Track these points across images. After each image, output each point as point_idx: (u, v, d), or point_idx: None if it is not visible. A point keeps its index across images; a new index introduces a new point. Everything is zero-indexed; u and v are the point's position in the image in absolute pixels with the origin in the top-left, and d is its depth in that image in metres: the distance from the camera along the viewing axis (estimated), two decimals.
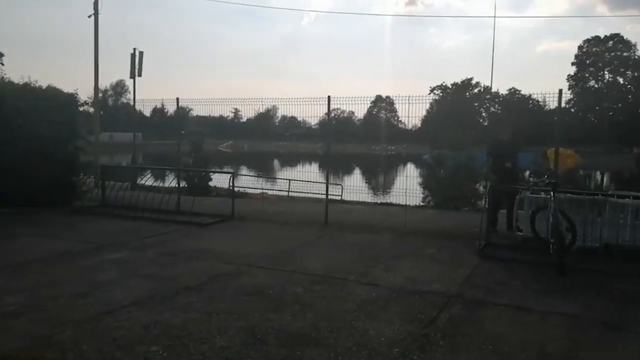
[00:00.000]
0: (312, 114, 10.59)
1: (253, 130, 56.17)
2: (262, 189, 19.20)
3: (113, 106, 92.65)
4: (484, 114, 77.35)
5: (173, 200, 10.48)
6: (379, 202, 16.22)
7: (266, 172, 31.83)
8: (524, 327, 4.38)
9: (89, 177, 12.74)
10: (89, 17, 19.23)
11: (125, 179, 13.67)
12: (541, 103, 66.83)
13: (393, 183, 22.88)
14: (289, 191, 18.24)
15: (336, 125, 68.59)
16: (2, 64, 13.44)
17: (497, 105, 77.54)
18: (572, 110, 72.80)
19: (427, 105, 52.07)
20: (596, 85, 76.18)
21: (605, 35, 75.28)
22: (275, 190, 19.16)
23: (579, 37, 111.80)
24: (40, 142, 9.99)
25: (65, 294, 5.08)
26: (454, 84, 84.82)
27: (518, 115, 55.80)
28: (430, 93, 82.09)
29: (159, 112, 70.62)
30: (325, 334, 4.14)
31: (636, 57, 73.46)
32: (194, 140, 19.24)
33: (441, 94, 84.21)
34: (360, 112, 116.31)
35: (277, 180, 22.88)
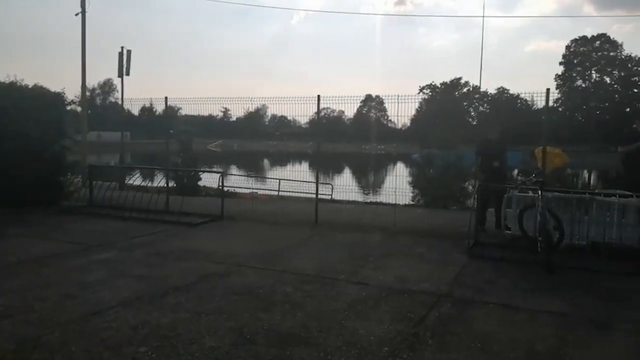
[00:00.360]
0: (302, 113, 10.59)
1: (243, 129, 55.86)
2: (252, 188, 19.13)
3: (101, 105, 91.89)
4: (472, 113, 77.97)
5: (162, 200, 10.42)
6: (369, 201, 16.27)
7: (256, 172, 31.73)
8: (512, 326, 4.41)
9: (77, 176, 12.63)
10: (76, 15, 19.05)
11: (113, 178, 13.54)
12: (529, 102, 67.17)
13: (383, 182, 22.95)
14: (279, 190, 18.19)
15: (326, 125, 68.71)
16: None
17: (485, 105, 78.06)
18: (560, 109, 73.47)
19: (417, 105, 52.30)
20: (583, 85, 76.96)
21: (592, 35, 76.16)
22: (265, 189, 19.10)
23: (566, 37, 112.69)
24: (27, 141, 9.89)
25: (53, 294, 5.03)
26: (443, 84, 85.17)
27: (506, 114, 56.12)
28: (419, 92, 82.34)
29: (147, 111, 70.10)
30: (315, 333, 4.14)
31: (622, 56, 74.32)
32: (182, 140, 19.12)
33: (430, 94, 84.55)
34: (350, 111, 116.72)
35: (267, 179, 22.82)
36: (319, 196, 10.28)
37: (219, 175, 13.36)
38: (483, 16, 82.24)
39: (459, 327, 4.33)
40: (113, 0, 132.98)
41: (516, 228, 7.40)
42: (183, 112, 16.01)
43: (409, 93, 10.71)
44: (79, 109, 19.37)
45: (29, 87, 10.74)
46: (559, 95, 74.06)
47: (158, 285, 5.41)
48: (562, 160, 11.93)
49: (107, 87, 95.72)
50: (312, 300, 5.01)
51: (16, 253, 6.76)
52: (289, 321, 4.41)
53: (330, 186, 16.85)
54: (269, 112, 75.55)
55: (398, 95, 9.46)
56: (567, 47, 77.95)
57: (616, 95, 73.10)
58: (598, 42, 75.46)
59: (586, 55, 75.58)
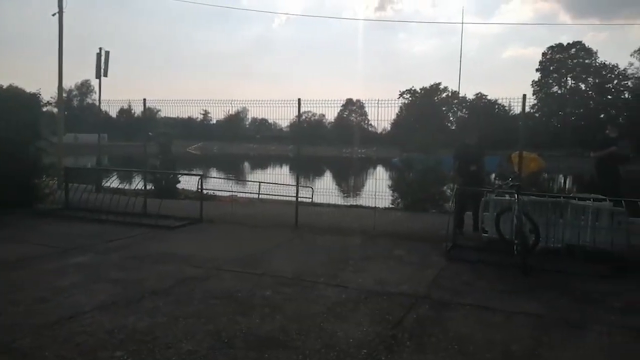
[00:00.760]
0: (283, 117, 10.58)
1: (223, 132, 55.54)
2: (232, 191, 19.02)
3: (78, 107, 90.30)
4: (451, 118, 78.77)
5: (139, 202, 10.29)
6: (349, 204, 16.29)
7: (236, 175, 31.57)
8: (489, 327, 4.47)
9: (52, 179, 12.39)
10: (53, 15, 18.70)
11: (90, 181, 13.34)
12: (507, 108, 68.28)
13: (363, 186, 23.04)
14: (259, 194, 18.13)
15: (307, 128, 68.67)
16: None
17: (464, 110, 78.97)
18: (537, 115, 74.68)
19: (397, 109, 52.44)
20: (559, 91, 78.37)
21: (568, 43, 77.59)
22: (246, 192, 19.01)
23: (543, 44, 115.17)
24: (1, 143, 9.67)
25: (26, 298, 4.93)
26: (423, 89, 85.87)
27: (484, 119, 56.95)
28: (399, 97, 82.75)
29: (125, 112, 69.03)
30: (294, 336, 4.13)
31: (597, 64, 75.94)
32: (161, 142, 18.92)
33: (410, 98, 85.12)
34: (331, 115, 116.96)
35: (248, 182, 22.71)
36: (300, 199, 10.27)
37: (198, 177, 13.24)
38: (462, 23, 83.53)
39: (436, 329, 4.37)
40: (91, 0, 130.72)
41: (493, 231, 7.50)
42: (162, 114, 15.87)
43: (390, 97, 10.80)
44: (55, 110, 19.00)
45: (4, 87, 10.54)
46: (536, 101, 75.29)
47: (135, 289, 5.33)
48: (538, 164, 12.17)
49: (84, 88, 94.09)
50: (292, 303, 5.00)
51: None
52: (268, 324, 4.39)
53: (311, 189, 16.86)
54: (250, 115, 75.36)
55: (378, 100, 9.51)
56: (544, 54, 79.40)
57: (591, 102, 74.64)
58: (574, 50, 77.03)
59: (562, 62, 77.07)
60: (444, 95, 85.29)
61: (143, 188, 11.75)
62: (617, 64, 74.85)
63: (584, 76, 76.75)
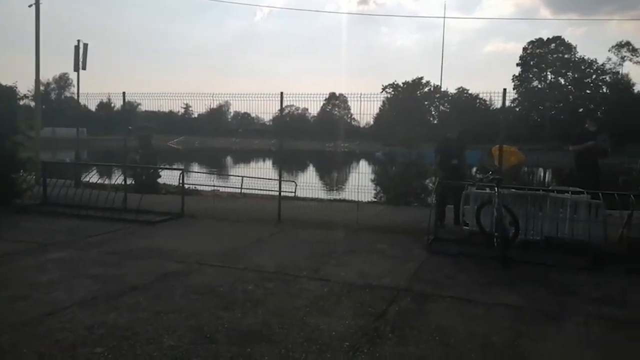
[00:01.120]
0: (265, 110, 10.50)
1: (205, 126, 55.03)
2: (214, 186, 18.90)
3: (56, 100, 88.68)
4: (433, 113, 79.39)
5: (120, 197, 10.16)
6: (332, 198, 16.32)
7: (218, 169, 31.37)
8: (470, 319, 4.52)
9: (30, 174, 12.14)
10: (30, 6, 18.31)
11: (69, 176, 13.11)
12: (488, 102, 69.03)
13: (346, 180, 23.09)
14: (241, 188, 18.03)
15: (290, 122, 68.52)
16: None
17: (446, 104, 79.67)
18: (517, 109, 75.60)
19: (380, 103, 52.72)
20: (539, 86, 79.40)
21: (548, 38, 78.59)
22: (228, 187, 18.91)
23: (523, 39, 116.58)
24: None
25: (4, 296, 4.84)
26: (406, 83, 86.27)
27: (466, 114, 57.46)
28: (382, 91, 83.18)
29: (105, 106, 68.07)
30: (277, 330, 4.13)
31: (576, 59, 77.10)
32: (141, 136, 18.65)
33: (393, 92, 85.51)
34: (314, 109, 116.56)
35: (230, 177, 22.58)
36: (283, 194, 10.25)
37: (179, 172, 13.11)
38: (444, 17, 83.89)
39: (418, 321, 4.41)
40: None
41: (474, 224, 7.59)
42: (143, 107, 15.70)
43: (373, 91, 10.81)
44: (32, 103, 18.69)
45: None
46: (516, 96, 76.17)
47: (115, 285, 5.27)
48: (518, 158, 12.34)
49: (62, 81, 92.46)
50: (274, 297, 5.00)
51: None
52: (250, 319, 4.38)
53: (294, 184, 16.84)
54: (232, 109, 74.86)
55: (361, 94, 9.53)
56: (524, 49, 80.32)
57: (570, 96, 75.82)
58: (553, 45, 78.04)
59: (542, 57, 78.04)
60: (426, 89, 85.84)
61: (123, 183, 11.60)
62: (595, 59, 76.42)
63: (563, 71, 77.89)
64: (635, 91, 71.51)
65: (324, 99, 70.11)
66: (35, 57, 18.20)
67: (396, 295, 5.13)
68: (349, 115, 76.78)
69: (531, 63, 78.87)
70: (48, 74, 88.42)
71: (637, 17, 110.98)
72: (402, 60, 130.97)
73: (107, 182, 15.31)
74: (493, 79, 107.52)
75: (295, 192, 15.92)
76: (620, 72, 75.67)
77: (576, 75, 76.51)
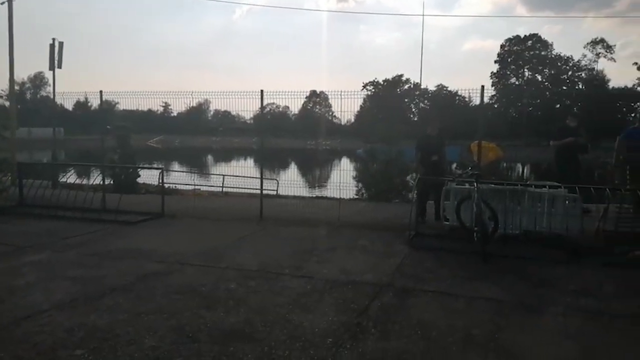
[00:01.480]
0: (246, 108, 10.45)
1: (184, 124, 54.44)
2: (195, 185, 18.74)
3: (32, 100, 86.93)
4: (414, 110, 79.83)
5: (98, 198, 10.02)
6: (314, 195, 16.33)
7: (199, 168, 31.12)
8: (451, 313, 4.57)
9: (5, 175, 11.89)
10: (2, 4, 17.89)
11: (46, 176, 12.87)
12: (467, 99, 69.68)
13: (328, 177, 23.10)
14: (222, 187, 17.93)
15: (271, 120, 68.13)
16: None
17: (426, 101, 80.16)
18: (495, 105, 76.47)
19: (361, 101, 52.90)
20: (517, 82, 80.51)
21: (525, 35, 79.70)
22: (209, 186, 18.77)
23: (501, 37, 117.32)
24: None
25: None
26: (386, 80, 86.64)
27: (445, 110, 57.92)
28: (363, 89, 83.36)
29: (82, 106, 66.69)
30: (259, 328, 4.12)
31: (552, 56, 78.42)
32: (119, 135, 18.40)
33: (373, 90, 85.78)
34: (295, 106, 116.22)
35: (211, 176, 22.42)
36: (264, 192, 10.22)
37: (159, 171, 12.98)
38: (423, 15, 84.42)
39: (400, 316, 4.45)
40: None
41: (454, 219, 7.67)
42: (120, 106, 15.46)
43: (353, 89, 10.83)
44: (7, 103, 18.24)
45: None
46: (494, 92, 77.09)
47: (94, 286, 5.20)
48: (496, 153, 12.49)
49: (38, 80, 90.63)
50: (256, 295, 4.98)
51: None
52: (233, 317, 4.36)
53: (276, 182, 16.80)
54: (212, 107, 74.18)
55: (341, 92, 9.55)
56: (502, 46, 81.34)
57: (547, 92, 77.06)
58: (530, 42, 79.20)
59: (519, 54, 79.14)
60: (406, 87, 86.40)
61: (102, 183, 11.44)
62: (571, 55, 77.90)
63: (540, 67, 79.12)
64: (610, 87, 73.10)
65: (305, 96, 69.86)
66: (8, 56, 17.80)
67: (378, 290, 5.16)
68: (330, 113, 76.72)
69: (509, 60, 79.94)
70: (23, 73, 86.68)
71: (611, 15, 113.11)
72: (382, 58, 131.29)
73: (85, 182, 15.07)
74: (472, 76, 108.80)
75: (277, 190, 15.90)
76: (596, 68, 77.37)
77: (552, 72, 77.83)
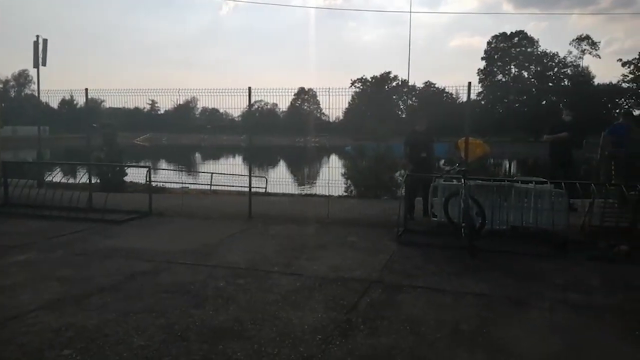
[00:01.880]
0: (234, 106, 10.41)
1: (172, 122, 54.07)
2: (183, 183, 18.63)
3: (16, 98, 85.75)
4: (401, 107, 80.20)
5: (85, 197, 9.92)
6: (303, 193, 16.33)
7: (187, 166, 30.93)
8: (439, 308, 4.61)
9: None
10: None
11: (31, 175, 12.71)
12: (454, 96, 70.34)
13: (317, 174, 23.10)
14: (211, 185, 17.86)
15: (259, 117, 68.09)
16: None
17: (414, 98, 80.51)
18: (482, 102, 77.07)
19: (349, 98, 53.03)
20: (503, 79, 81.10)
21: (511, 32, 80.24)
22: (197, 184, 18.68)
23: (488, 34, 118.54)
24: None
25: None
26: (374, 77, 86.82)
27: (433, 107, 58.19)
28: (351, 86, 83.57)
29: (67, 104, 65.88)
30: (249, 326, 4.12)
31: (538, 52, 79.13)
32: (105, 133, 18.21)
33: (362, 87, 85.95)
34: (283, 104, 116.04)
35: (199, 174, 22.31)
36: (253, 189, 10.19)
37: (146, 170, 12.88)
38: (410, 12, 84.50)
39: (389, 312, 4.47)
40: None
41: (442, 215, 7.72)
42: (107, 104, 15.32)
43: (342, 86, 10.85)
44: None
45: None
46: (481, 89, 77.72)
47: (82, 286, 5.15)
48: (483, 150, 12.56)
49: (22, 78, 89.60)
50: (246, 293, 4.97)
51: None
52: (222, 316, 4.35)
53: (265, 179, 16.78)
54: (200, 105, 73.67)
55: (329, 88, 9.56)
56: (489, 43, 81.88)
57: (533, 89, 77.73)
58: (517, 39, 79.77)
59: (506, 51, 79.71)
60: (394, 84, 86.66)
61: (88, 182, 11.32)
62: (557, 52, 78.77)
63: (526, 64, 79.79)
64: (596, 83, 73.96)
65: (294, 93, 69.76)
66: None
67: (367, 287, 5.18)
68: (319, 110, 76.64)
69: (495, 57, 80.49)
70: (6, 71, 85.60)
71: (596, 12, 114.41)
72: (370, 55, 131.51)
73: (71, 181, 14.92)
74: (459, 73, 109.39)
75: (266, 188, 15.88)
76: (581, 65, 78.22)
77: (539, 69, 78.54)
